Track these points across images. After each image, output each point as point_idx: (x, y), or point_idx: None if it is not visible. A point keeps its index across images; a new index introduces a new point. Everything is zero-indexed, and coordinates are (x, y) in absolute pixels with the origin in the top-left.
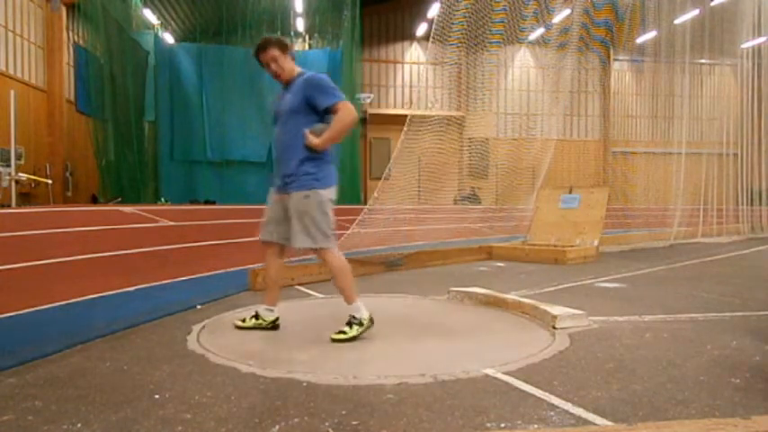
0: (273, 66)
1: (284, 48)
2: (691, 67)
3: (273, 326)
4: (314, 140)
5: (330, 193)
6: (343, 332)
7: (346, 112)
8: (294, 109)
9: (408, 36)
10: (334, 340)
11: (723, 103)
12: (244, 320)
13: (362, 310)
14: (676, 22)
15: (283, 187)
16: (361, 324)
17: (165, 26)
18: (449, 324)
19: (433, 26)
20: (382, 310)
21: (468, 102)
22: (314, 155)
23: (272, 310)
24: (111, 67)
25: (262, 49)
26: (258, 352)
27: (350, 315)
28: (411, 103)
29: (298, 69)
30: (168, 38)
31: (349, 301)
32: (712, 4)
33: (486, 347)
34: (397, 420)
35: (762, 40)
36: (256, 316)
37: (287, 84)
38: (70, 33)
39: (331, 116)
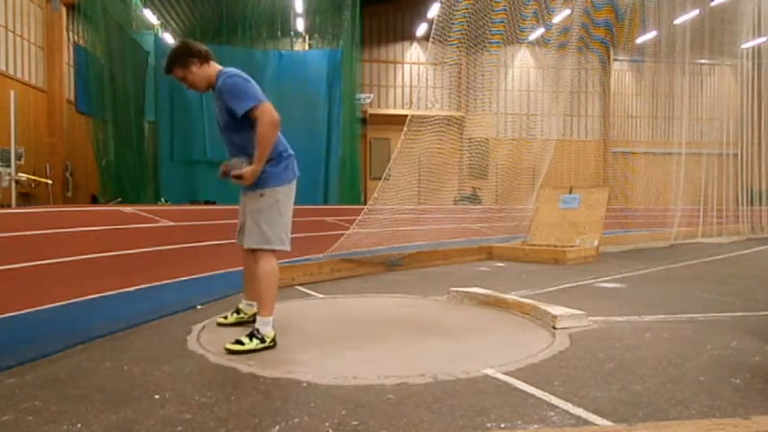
0: (186, 83)
1: (188, 59)
2: (691, 67)
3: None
4: (244, 176)
5: (288, 190)
6: (241, 343)
7: (264, 120)
8: (225, 117)
9: (408, 36)
10: (229, 351)
11: (723, 103)
12: (226, 317)
13: (270, 328)
14: (676, 22)
15: (245, 188)
16: (262, 341)
17: (165, 26)
18: (449, 324)
19: (433, 26)
20: (382, 310)
21: (468, 102)
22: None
23: (252, 305)
24: (111, 67)
25: (168, 71)
26: (258, 352)
27: (255, 328)
28: (411, 103)
29: (216, 69)
30: (168, 38)
31: (263, 313)
32: (712, 4)
33: (486, 347)
34: (397, 420)
35: (762, 40)
36: (237, 311)
37: (212, 89)
38: (70, 33)
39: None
